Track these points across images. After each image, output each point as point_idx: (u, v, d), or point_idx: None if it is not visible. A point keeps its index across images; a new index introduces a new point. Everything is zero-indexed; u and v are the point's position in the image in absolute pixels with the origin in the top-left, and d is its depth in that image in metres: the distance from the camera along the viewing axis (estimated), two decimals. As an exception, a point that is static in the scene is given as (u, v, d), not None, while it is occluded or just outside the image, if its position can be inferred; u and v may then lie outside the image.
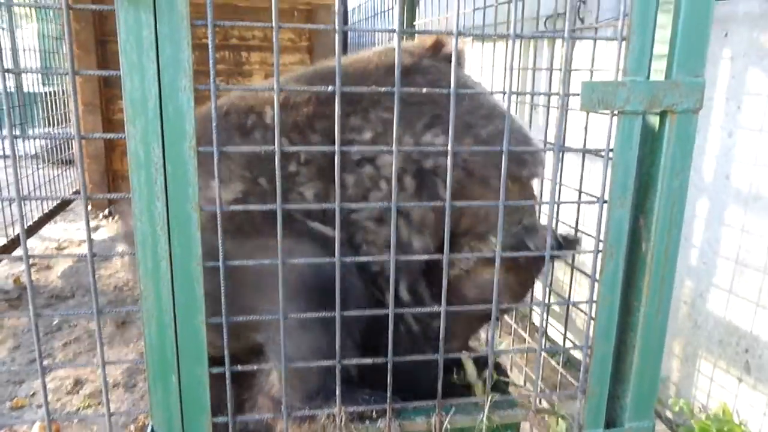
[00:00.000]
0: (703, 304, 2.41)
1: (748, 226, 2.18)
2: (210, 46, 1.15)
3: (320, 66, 1.99)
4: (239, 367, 1.36)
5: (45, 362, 2.69)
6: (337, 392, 1.41)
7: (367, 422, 1.52)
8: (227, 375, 1.34)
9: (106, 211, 5.44)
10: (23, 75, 6.29)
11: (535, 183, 1.90)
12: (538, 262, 1.78)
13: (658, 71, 1.34)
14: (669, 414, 2.54)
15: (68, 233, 4.92)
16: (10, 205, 3.96)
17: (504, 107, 1.89)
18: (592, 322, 1.48)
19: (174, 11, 1.13)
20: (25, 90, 5.71)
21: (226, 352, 1.33)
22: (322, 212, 1.68)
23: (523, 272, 1.82)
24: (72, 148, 5.67)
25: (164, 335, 1.30)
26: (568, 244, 1.73)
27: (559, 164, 2.20)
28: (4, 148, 4.19)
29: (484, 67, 3.19)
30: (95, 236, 4.88)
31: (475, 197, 1.71)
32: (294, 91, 1.75)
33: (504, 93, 1.36)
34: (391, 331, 1.38)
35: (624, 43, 1.29)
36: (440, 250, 1.81)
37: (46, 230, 4.77)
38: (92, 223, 5.23)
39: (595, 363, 1.50)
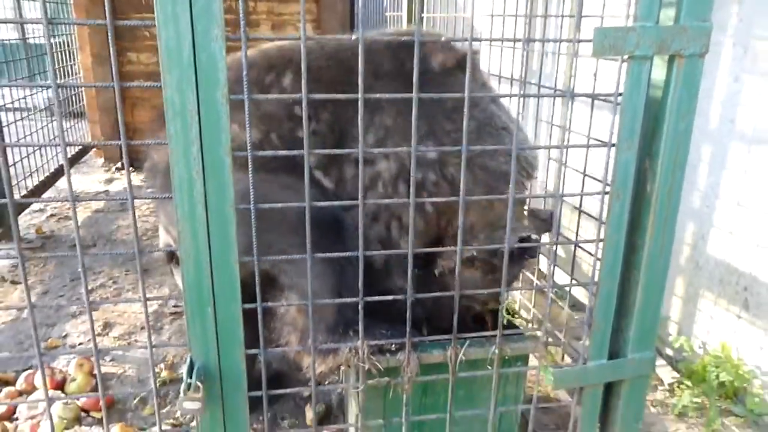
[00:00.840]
0: (704, 245, 2.50)
1: (750, 169, 2.24)
2: (239, -3, 1.21)
3: (340, 45, 1.98)
4: (270, 304, 1.46)
5: (73, 308, 2.83)
6: (360, 327, 1.51)
7: (388, 355, 1.63)
8: (259, 311, 1.44)
9: (119, 164, 5.52)
10: (27, 26, 6.26)
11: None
12: (512, 265, 1.88)
13: (667, 17, 1.39)
14: (669, 351, 2.66)
15: (83, 185, 5.01)
16: (28, 156, 4.04)
17: (507, 119, 1.94)
18: (598, 261, 1.57)
19: (204, -37, 1.18)
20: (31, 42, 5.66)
21: (258, 290, 1.43)
22: (324, 165, 1.80)
23: (500, 273, 1.92)
24: (82, 101, 5.70)
25: (201, 273, 1.39)
26: (543, 224, 1.84)
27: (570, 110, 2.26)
28: (16, 101, 4.23)
29: (495, 16, 3.20)
30: (111, 188, 4.98)
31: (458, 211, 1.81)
32: (316, 66, 1.82)
33: (518, 41, 1.41)
34: (410, 271, 1.47)
35: (635, -10, 1.34)
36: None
37: (62, 182, 4.86)
38: (107, 176, 5.32)
39: (600, 299, 1.60)
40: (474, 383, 1.74)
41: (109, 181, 5.14)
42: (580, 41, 1.39)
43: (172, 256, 2.11)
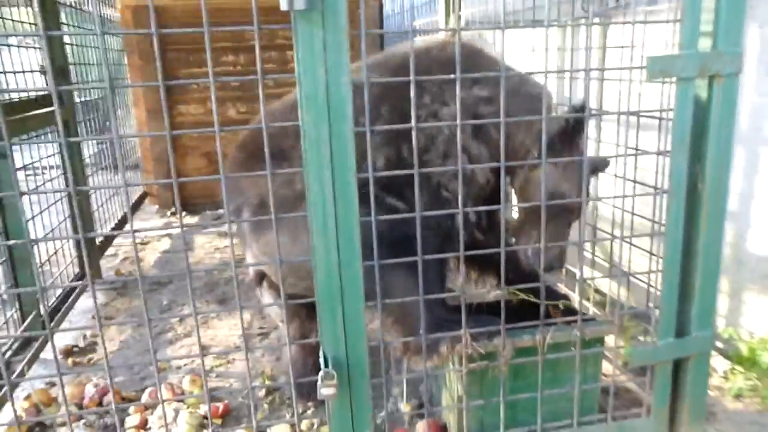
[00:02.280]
0: (744, 244, 2.74)
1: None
2: (362, 49, 1.53)
3: (389, 55, 2.38)
4: (387, 301, 1.74)
5: (170, 334, 3.11)
6: (463, 317, 1.78)
7: (486, 341, 1.89)
8: (378, 306, 1.72)
9: (173, 209, 5.88)
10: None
11: None
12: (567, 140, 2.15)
13: (705, 44, 1.69)
14: (719, 344, 2.87)
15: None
16: (103, 206, 4.40)
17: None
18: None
19: (337, 26, 1.49)
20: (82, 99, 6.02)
21: (378, 288, 1.70)
22: (397, 189, 2.08)
23: (571, 166, 2.15)
24: (136, 153, 6.11)
25: (332, 277, 1.66)
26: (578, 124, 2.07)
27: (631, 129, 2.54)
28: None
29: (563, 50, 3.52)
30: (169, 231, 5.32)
31: (515, 134, 2.19)
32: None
33: (586, 71, 1.71)
34: (503, 266, 1.75)
35: (678, 24, 1.64)
36: (497, 178, 2.20)
37: (127, 227, 5.22)
38: (163, 220, 5.67)
39: (665, 286, 1.86)
40: (558, 365, 1.98)
41: (167, 225, 5.49)
42: (639, 68, 1.70)
43: (261, 279, 2.39)
